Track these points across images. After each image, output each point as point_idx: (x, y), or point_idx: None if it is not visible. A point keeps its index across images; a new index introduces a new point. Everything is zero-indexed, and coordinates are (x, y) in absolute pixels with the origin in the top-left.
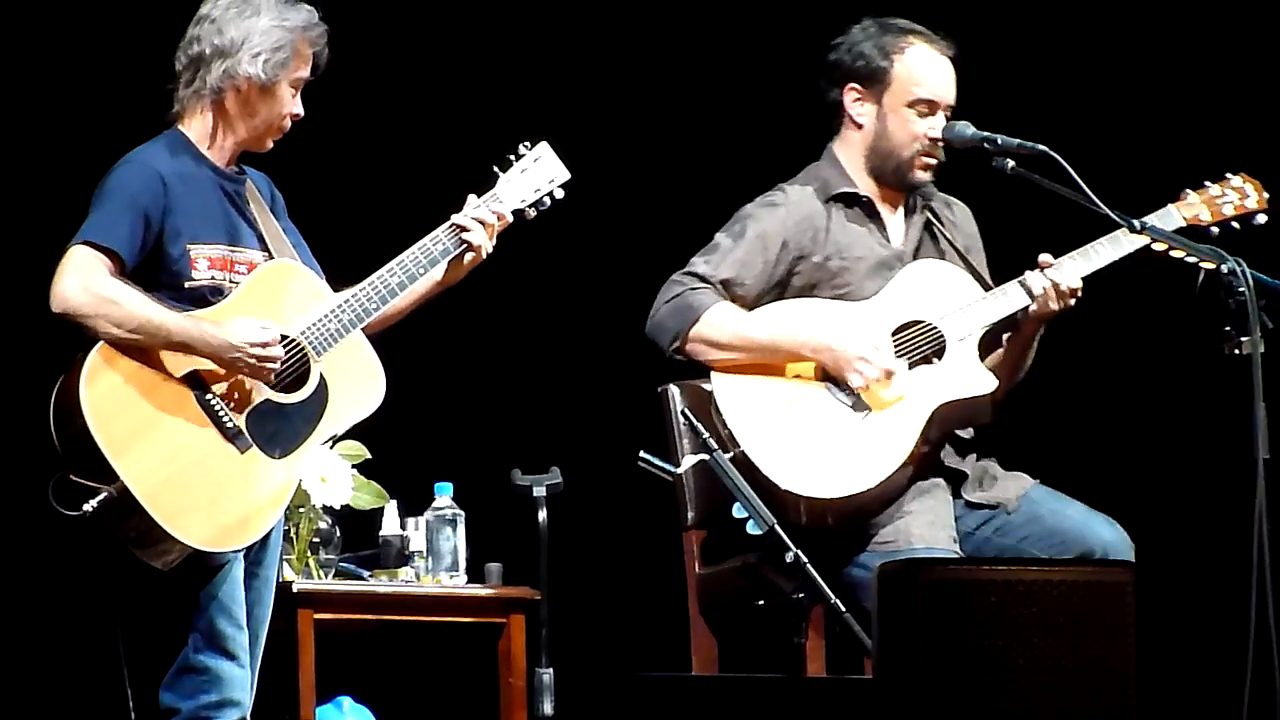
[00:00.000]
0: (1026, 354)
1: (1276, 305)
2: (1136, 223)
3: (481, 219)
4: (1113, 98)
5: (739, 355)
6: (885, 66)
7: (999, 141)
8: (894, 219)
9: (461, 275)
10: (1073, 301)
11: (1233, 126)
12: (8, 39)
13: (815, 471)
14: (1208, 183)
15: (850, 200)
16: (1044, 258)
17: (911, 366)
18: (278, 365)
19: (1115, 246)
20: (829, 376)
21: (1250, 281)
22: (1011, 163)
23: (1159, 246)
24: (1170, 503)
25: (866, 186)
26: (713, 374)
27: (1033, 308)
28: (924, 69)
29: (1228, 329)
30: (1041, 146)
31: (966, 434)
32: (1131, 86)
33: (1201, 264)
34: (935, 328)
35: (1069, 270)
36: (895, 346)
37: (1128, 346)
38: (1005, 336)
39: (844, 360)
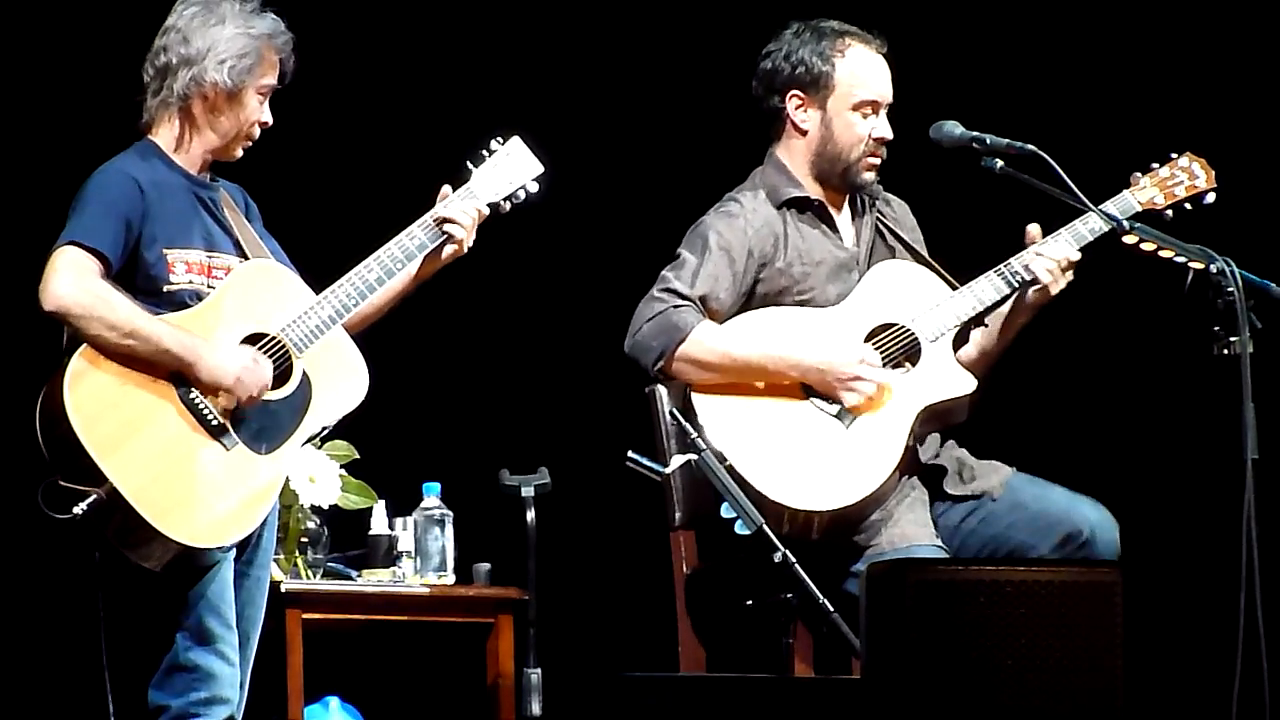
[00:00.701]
0: (1006, 345)
1: (1265, 305)
2: (1126, 223)
3: (462, 213)
4: (1082, 87)
5: (725, 376)
6: (827, 71)
7: (988, 141)
8: (844, 221)
9: (438, 268)
10: (1070, 277)
11: (1194, 113)
12: None
13: (806, 485)
14: (1155, 165)
15: (802, 205)
16: (1032, 229)
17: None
18: (266, 384)
19: (1075, 237)
20: (811, 389)
21: (1239, 281)
22: (1000, 162)
23: (1148, 246)
24: (1159, 503)
25: (814, 190)
26: (694, 395)
27: (1034, 292)
28: (865, 71)
29: (1216, 329)
30: (1030, 146)
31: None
32: (1098, 77)
33: (1190, 264)
34: (908, 330)
35: (1062, 245)
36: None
37: (1117, 348)
38: (983, 329)
39: (835, 381)
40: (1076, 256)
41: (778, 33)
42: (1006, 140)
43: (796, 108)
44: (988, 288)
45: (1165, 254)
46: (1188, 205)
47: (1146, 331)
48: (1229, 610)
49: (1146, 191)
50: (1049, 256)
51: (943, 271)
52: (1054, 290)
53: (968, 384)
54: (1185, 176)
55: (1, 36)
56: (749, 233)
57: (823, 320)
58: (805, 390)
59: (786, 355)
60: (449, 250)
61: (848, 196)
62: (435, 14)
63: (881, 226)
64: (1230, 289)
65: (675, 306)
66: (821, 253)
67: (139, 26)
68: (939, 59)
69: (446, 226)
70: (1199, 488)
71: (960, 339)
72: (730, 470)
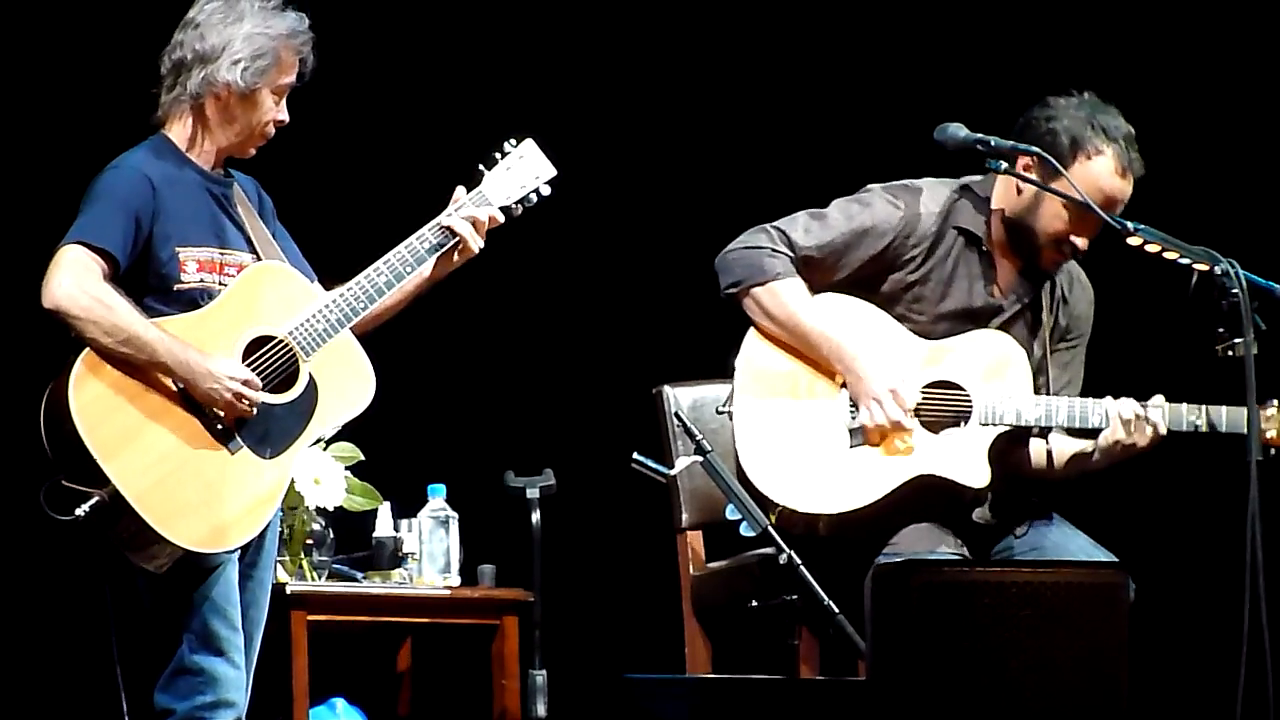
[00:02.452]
0: (1078, 477)
1: (1270, 307)
2: (1130, 224)
3: (473, 218)
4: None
5: (783, 333)
6: (1068, 159)
7: (992, 143)
8: (1009, 275)
9: (449, 270)
10: (1145, 444)
11: (1221, 129)
12: None
13: (778, 472)
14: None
15: (971, 240)
16: (1127, 401)
17: (928, 426)
18: (250, 412)
19: (1213, 419)
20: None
21: (1243, 283)
22: (1005, 165)
23: (1153, 248)
24: (1163, 505)
25: (998, 235)
26: (750, 330)
27: (1112, 436)
28: (1097, 183)
29: (1221, 330)
30: (1035, 149)
31: None
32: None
33: (1195, 266)
34: (968, 400)
35: (1158, 418)
36: (922, 400)
37: (1121, 347)
38: (1073, 455)
39: (864, 391)
40: (1164, 431)
41: (1071, 90)
42: (1011, 142)
43: (1024, 167)
44: (1062, 409)
45: (1170, 256)
46: None
47: (1151, 333)
48: (1233, 612)
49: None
50: (1137, 416)
51: (1065, 367)
52: (1127, 446)
53: (979, 479)
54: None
55: (16, 29)
56: (902, 229)
57: (906, 344)
58: (843, 388)
59: (842, 344)
60: (457, 257)
61: (1026, 264)
62: (452, 14)
63: (1051, 291)
64: (1235, 290)
65: (775, 251)
66: (957, 293)
67: (159, 17)
68: (945, 60)
69: (458, 228)
70: (1203, 489)
71: (1020, 438)
72: (729, 418)
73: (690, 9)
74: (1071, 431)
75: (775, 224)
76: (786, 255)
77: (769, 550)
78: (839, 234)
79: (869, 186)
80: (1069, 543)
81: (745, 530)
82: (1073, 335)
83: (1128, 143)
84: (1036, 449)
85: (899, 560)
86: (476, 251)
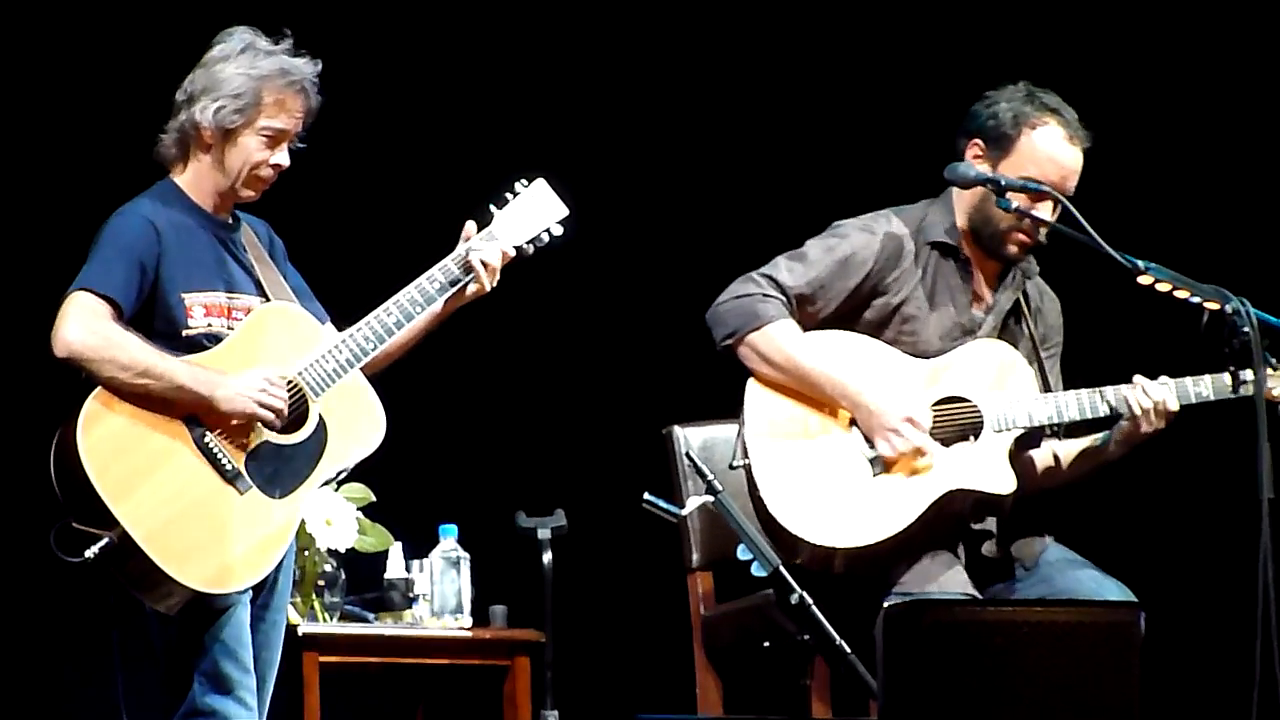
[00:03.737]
0: (1094, 472)
1: None
2: (1140, 263)
3: (486, 260)
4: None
5: (784, 377)
6: (1012, 135)
7: (1002, 182)
8: (984, 286)
9: (459, 306)
10: (1163, 424)
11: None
12: (6, 87)
13: (808, 512)
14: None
15: (947, 252)
16: (1138, 378)
17: (941, 441)
18: (284, 409)
19: (1217, 387)
20: (856, 424)
21: (1254, 321)
22: (1016, 203)
23: (1163, 287)
24: (1175, 543)
25: (967, 244)
26: (750, 381)
27: (1124, 426)
28: (1048, 151)
29: (1232, 369)
30: (1045, 186)
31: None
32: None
33: (1206, 304)
34: (978, 411)
35: (1165, 390)
36: (934, 417)
37: (1089, 342)
38: (1075, 447)
39: (878, 426)
40: (1175, 407)
41: (1005, 83)
42: (1021, 180)
43: (974, 157)
44: (1071, 403)
45: (1181, 294)
46: None
47: (1162, 371)
48: (1245, 649)
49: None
50: (1149, 394)
51: (1050, 374)
52: (1144, 428)
53: (1006, 484)
54: None
55: (28, 76)
56: (880, 256)
57: (905, 367)
58: (854, 422)
59: (845, 383)
60: (472, 289)
61: (1000, 266)
62: (464, 54)
63: (1023, 308)
64: (1246, 329)
65: (765, 295)
66: (943, 306)
67: (175, 61)
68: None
69: (475, 265)
70: (1214, 527)
71: (1035, 443)
72: (747, 471)
73: (705, 49)
74: (1076, 427)
75: (758, 271)
76: (778, 298)
77: (780, 589)
78: (823, 268)
79: (838, 222)
80: (1079, 572)
81: (757, 570)
82: (1050, 345)
83: (1069, 113)
84: (1042, 456)
85: (910, 600)
86: (488, 290)
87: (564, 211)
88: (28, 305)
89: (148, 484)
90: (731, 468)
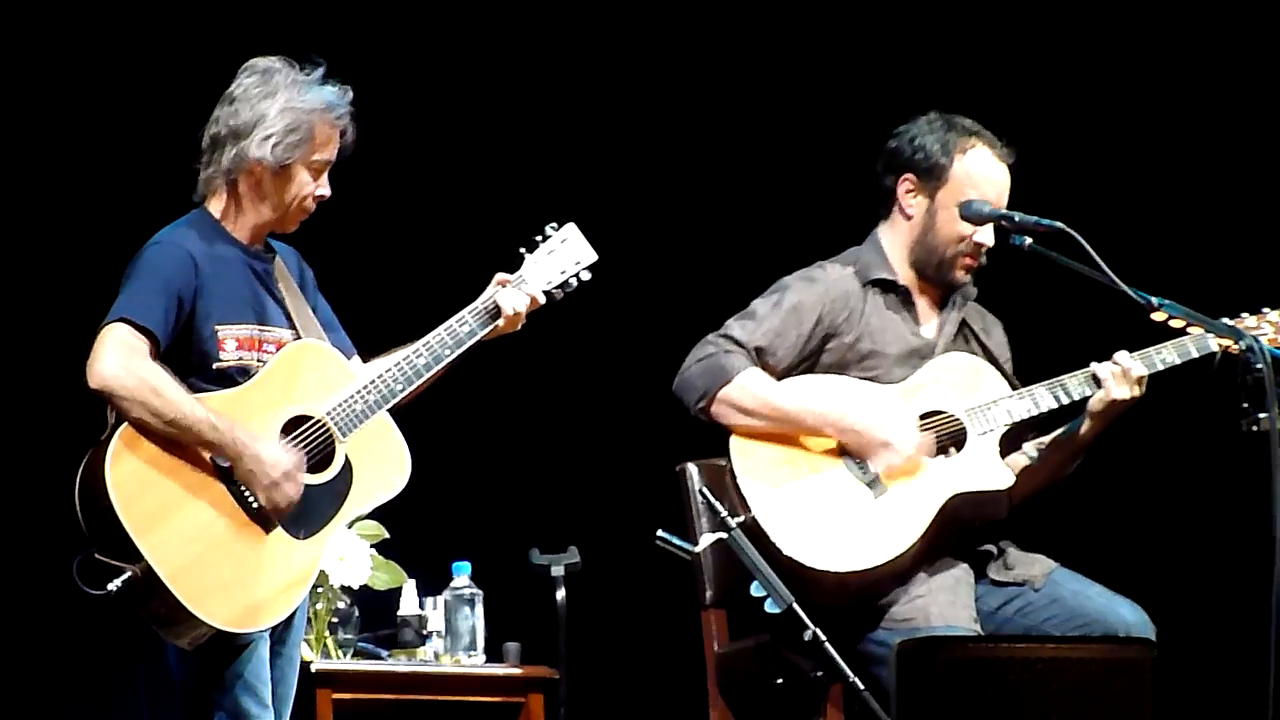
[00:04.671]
0: (1076, 458)
1: None
2: (1154, 300)
3: (515, 306)
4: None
5: (764, 423)
6: (944, 164)
7: (1016, 219)
8: (928, 312)
9: (483, 340)
10: (1139, 390)
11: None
12: (37, 115)
13: (822, 544)
14: (1244, 314)
15: (887, 287)
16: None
17: (929, 455)
18: (294, 499)
19: (1180, 351)
20: (848, 453)
21: (1268, 358)
22: (1029, 240)
23: (1177, 323)
24: (1188, 580)
25: (906, 276)
26: (732, 438)
27: (1099, 394)
28: (981, 173)
29: (1245, 406)
30: (1059, 224)
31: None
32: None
33: (1219, 341)
34: (958, 419)
35: (1129, 358)
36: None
37: (1146, 423)
38: (1058, 432)
39: (869, 444)
40: (1143, 371)
41: (914, 116)
42: (1035, 218)
43: (907, 192)
44: (1045, 394)
45: (1194, 331)
46: None
47: (1175, 408)
48: (1258, 686)
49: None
50: (1116, 361)
51: (1012, 377)
52: (1114, 393)
53: (1004, 479)
54: (1270, 330)
55: (56, 105)
56: (825, 300)
57: (878, 393)
58: (842, 453)
59: (827, 412)
60: (499, 323)
61: (941, 292)
62: (498, 95)
63: (968, 330)
64: (1259, 365)
65: (727, 351)
66: (895, 336)
67: (204, 92)
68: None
69: (501, 303)
70: (1228, 564)
71: (1014, 446)
72: (751, 523)
73: (721, 102)
74: (1049, 424)
75: (712, 334)
76: (740, 351)
77: (794, 627)
78: (775, 319)
79: (780, 280)
80: (1088, 590)
81: (770, 607)
82: (1002, 362)
83: (989, 134)
84: (1019, 458)
85: (924, 637)
86: (515, 328)
87: (593, 256)
88: (58, 332)
89: (174, 519)
90: (734, 524)
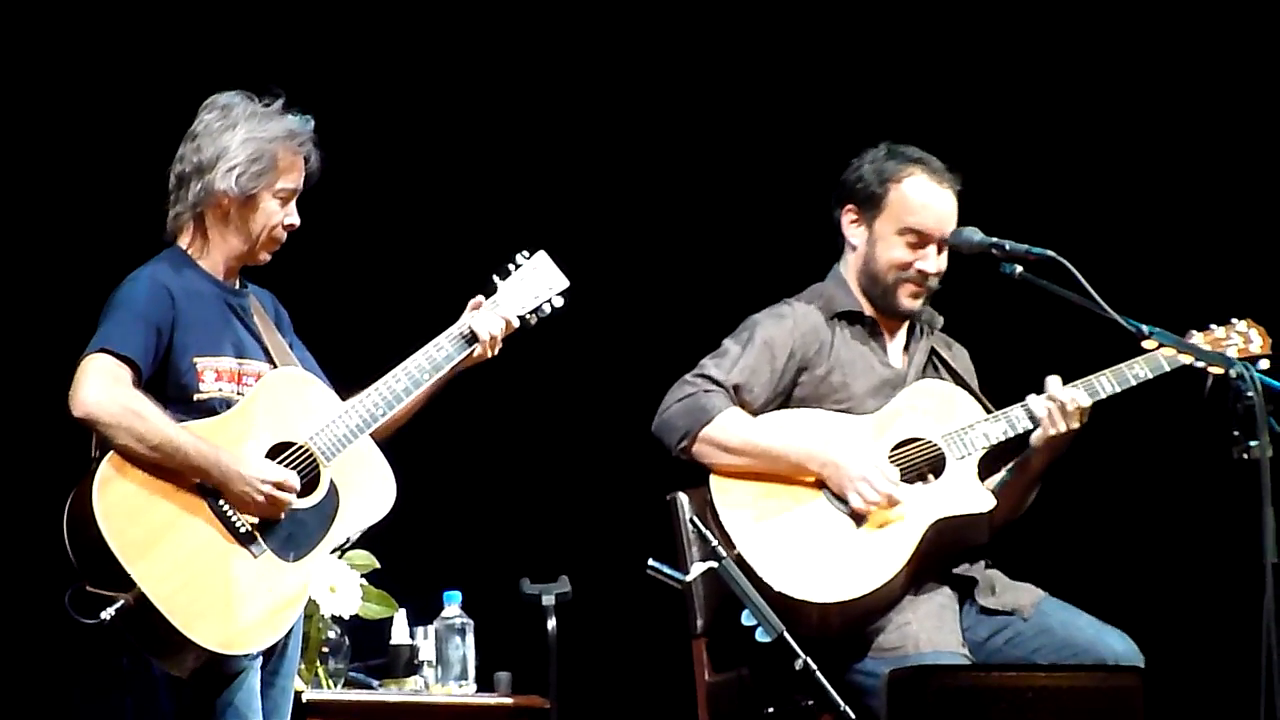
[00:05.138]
0: (1032, 489)
1: None
2: (1145, 329)
3: (490, 330)
4: (1123, 206)
5: (746, 461)
6: (880, 192)
7: (1006, 247)
8: (895, 343)
9: (459, 371)
10: (1077, 424)
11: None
12: (12, 155)
13: (808, 576)
14: (1212, 325)
15: (853, 319)
16: (1051, 379)
17: (909, 482)
18: (289, 505)
19: (1119, 379)
20: (828, 485)
21: (1258, 386)
22: (1019, 268)
23: (1168, 352)
24: (1179, 608)
25: (869, 308)
26: (712, 477)
27: (1038, 432)
28: (919, 199)
29: (1236, 434)
30: (1050, 252)
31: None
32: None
33: (1209, 369)
34: (935, 445)
35: (1075, 391)
36: (894, 462)
37: (1136, 451)
38: (1010, 466)
39: (847, 480)
40: (1085, 403)
41: (864, 150)
42: (1025, 246)
43: (850, 222)
44: (1020, 417)
45: (1185, 359)
46: None
47: (1166, 436)
48: (1249, 715)
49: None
50: (1054, 396)
51: (985, 401)
52: (1051, 430)
53: (985, 502)
54: (1239, 340)
55: (34, 141)
56: (795, 334)
57: (854, 425)
58: (823, 486)
59: (806, 448)
60: (476, 352)
61: (906, 321)
62: (469, 122)
63: (936, 357)
64: (1250, 393)
65: (706, 391)
66: (864, 367)
67: (175, 128)
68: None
69: (480, 335)
70: (1219, 592)
71: (993, 469)
72: (737, 559)
73: (705, 122)
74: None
75: (688, 374)
76: (719, 390)
77: (784, 656)
78: (749, 356)
79: (749, 318)
80: (1077, 619)
81: (761, 636)
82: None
83: (934, 161)
84: (993, 482)
85: (915, 666)
86: (490, 357)
87: (565, 283)
88: (35, 370)
89: (163, 545)
90: (719, 562)
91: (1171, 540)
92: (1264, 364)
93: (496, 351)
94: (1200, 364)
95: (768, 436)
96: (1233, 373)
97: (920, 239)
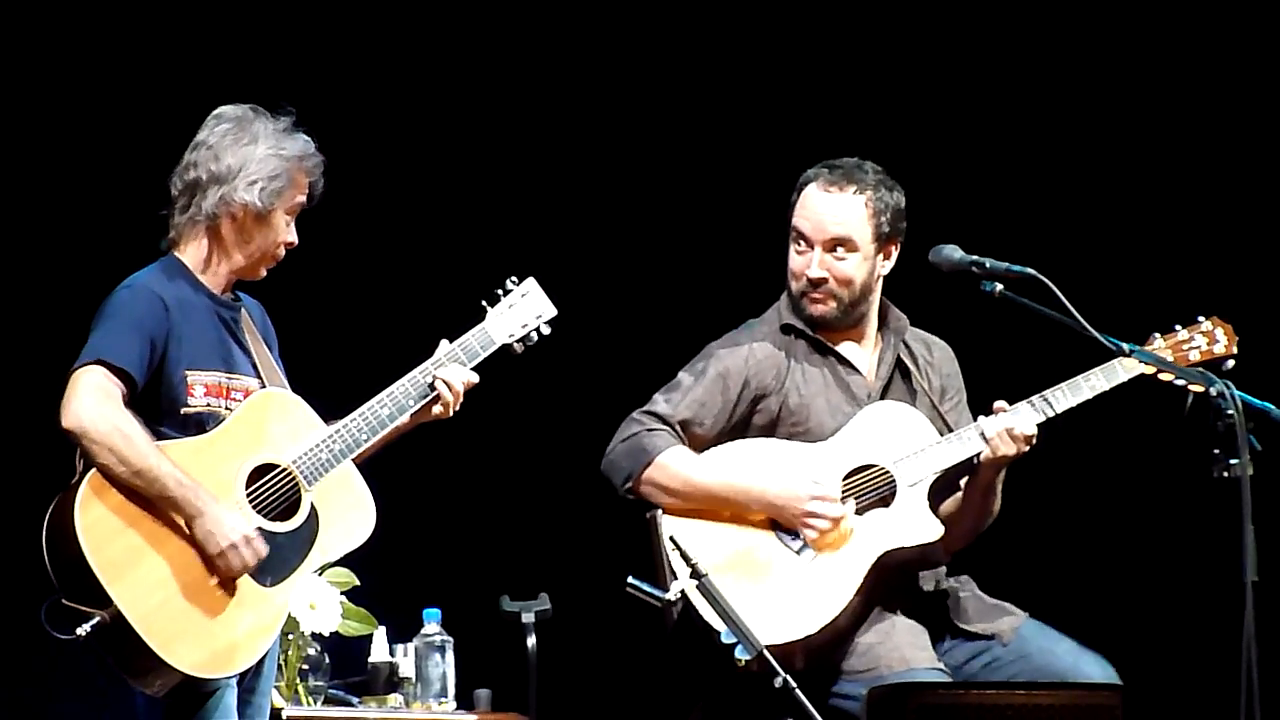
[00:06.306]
0: (989, 500)
1: (1265, 427)
2: (1126, 347)
3: (449, 382)
4: (1101, 223)
5: (690, 502)
6: (792, 203)
7: (986, 265)
8: (860, 354)
9: (423, 422)
10: (1026, 447)
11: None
12: (5, 155)
13: (758, 619)
14: (1177, 326)
15: (799, 333)
16: (999, 404)
17: (861, 511)
18: (251, 565)
19: (1075, 392)
20: (776, 521)
21: (1239, 404)
22: (999, 286)
23: (1147, 370)
24: (1159, 626)
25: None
26: (663, 516)
27: (985, 453)
28: (805, 206)
29: (1216, 451)
30: (1030, 270)
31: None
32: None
33: (1190, 387)
34: (887, 472)
35: (1024, 417)
36: (845, 491)
37: (1116, 468)
38: (963, 481)
39: (791, 516)
40: (1031, 430)
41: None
42: (1005, 264)
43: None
44: (972, 438)
45: (1165, 377)
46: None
47: (1146, 454)
48: None
49: (1158, 354)
50: (1000, 419)
51: (956, 417)
52: (998, 452)
53: (933, 531)
54: (1204, 340)
55: (26, 147)
56: (750, 363)
57: (803, 455)
58: (771, 524)
59: (747, 487)
60: (436, 410)
61: (872, 329)
62: (459, 146)
63: (906, 366)
64: (1230, 411)
65: (649, 430)
66: (822, 385)
67: (166, 137)
68: (944, 183)
69: (439, 387)
70: (1199, 610)
71: (951, 489)
72: (685, 599)
73: (691, 141)
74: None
75: (637, 410)
76: (663, 429)
77: (764, 673)
78: (701, 388)
79: (706, 347)
80: (1055, 646)
81: (741, 654)
82: (951, 393)
83: (839, 169)
84: (949, 504)
85: (894, 684)
86: (449, 415)
87: (553, 311)
88: (27, 380)
89: (142, 565)
90: (671, 605)
91: (1152, 558)
92: (1229, 364)
93: (456, 408)
94: (1181, 382)
95: (710, 475)
96: (1213, 391)
97: (805, 243)
